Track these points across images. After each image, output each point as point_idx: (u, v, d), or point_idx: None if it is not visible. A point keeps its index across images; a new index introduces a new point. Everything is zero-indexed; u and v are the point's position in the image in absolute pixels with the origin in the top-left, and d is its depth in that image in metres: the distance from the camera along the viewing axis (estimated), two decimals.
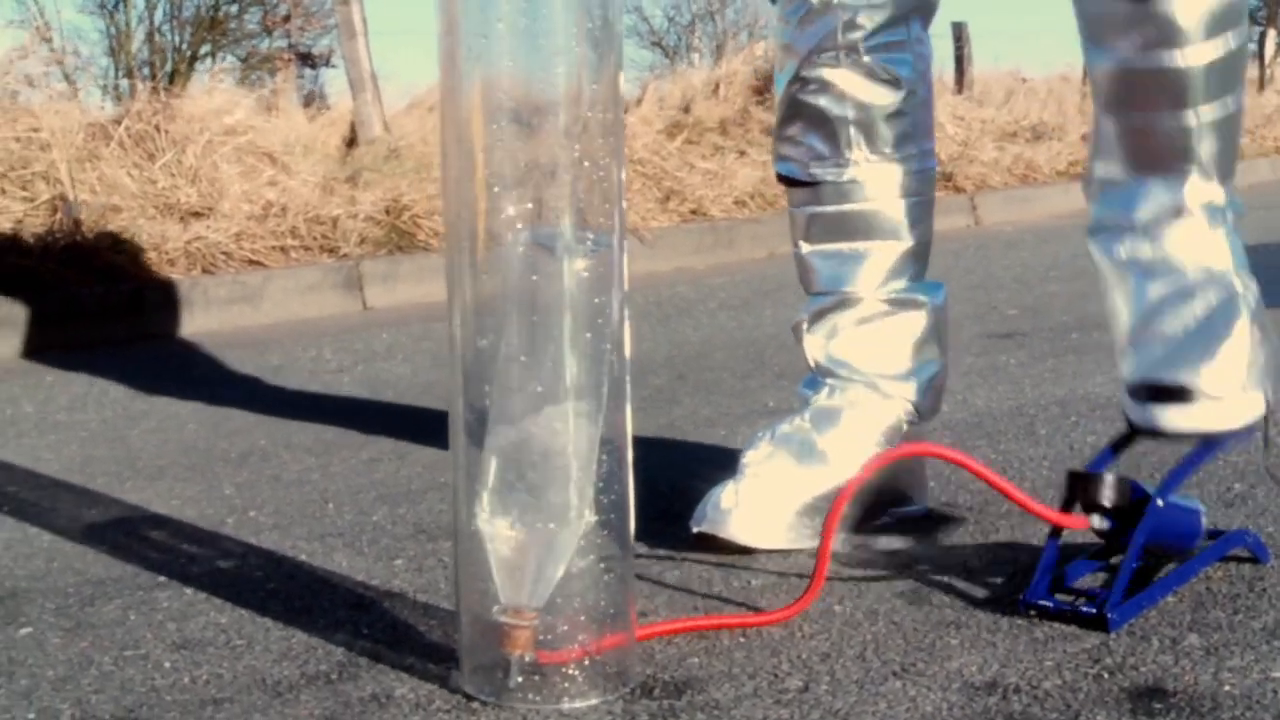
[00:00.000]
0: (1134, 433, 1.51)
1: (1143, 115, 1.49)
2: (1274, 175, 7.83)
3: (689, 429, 2.30)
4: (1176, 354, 1.48)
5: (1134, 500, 1.37)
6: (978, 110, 7.79)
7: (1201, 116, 1.46)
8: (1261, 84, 10.10)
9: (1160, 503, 1.36)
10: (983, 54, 13.03)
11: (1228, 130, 1.49)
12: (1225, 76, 1.47)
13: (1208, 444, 1.47)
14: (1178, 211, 1.48)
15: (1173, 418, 1.48)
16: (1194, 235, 1.49)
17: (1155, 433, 1.50)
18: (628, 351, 1.21)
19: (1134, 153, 1.50)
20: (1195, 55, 1.45)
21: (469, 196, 1.18)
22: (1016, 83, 8.92)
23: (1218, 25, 1.45)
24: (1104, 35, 1.49)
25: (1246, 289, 1.49)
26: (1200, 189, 1.48)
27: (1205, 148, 1.47)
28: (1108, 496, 1.35)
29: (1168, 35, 1.44)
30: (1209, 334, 1.47)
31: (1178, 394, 1.48)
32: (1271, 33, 11.25)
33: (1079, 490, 1.37)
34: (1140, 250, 1.50)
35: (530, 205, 1.17)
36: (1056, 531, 1.40)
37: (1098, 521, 1.37)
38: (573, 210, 1.18)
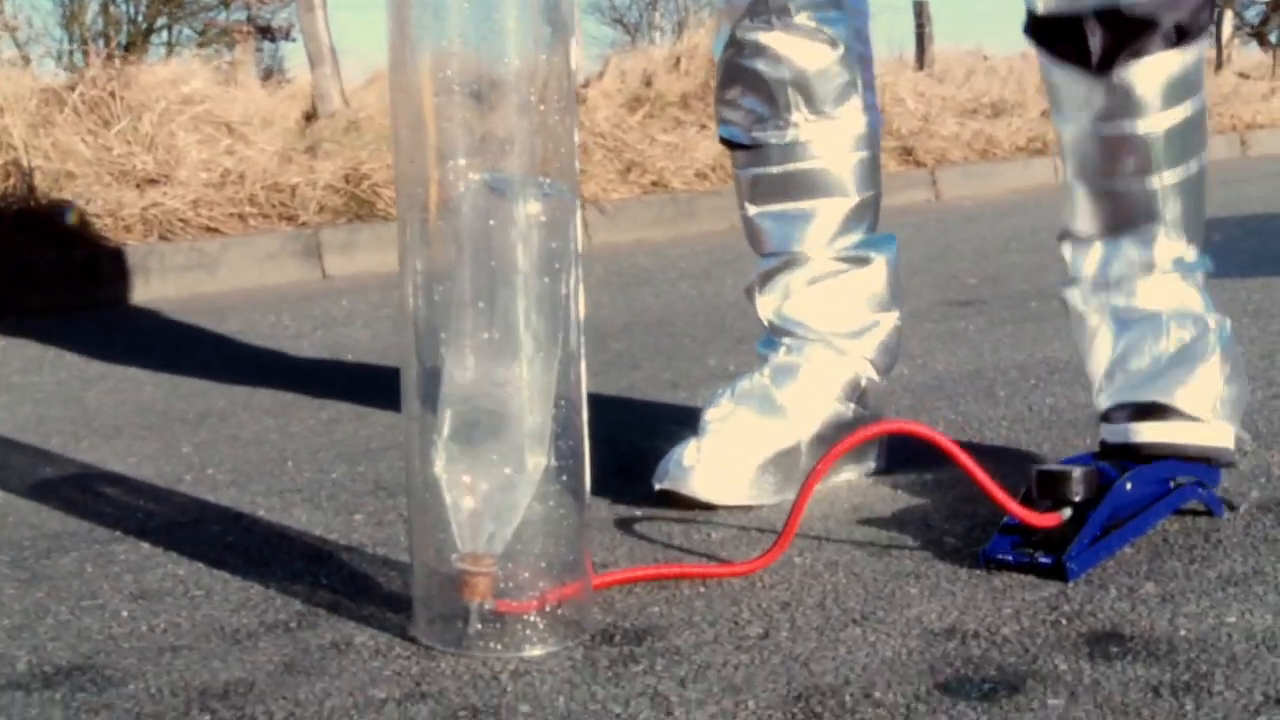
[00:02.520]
0: (1109, 453, 1.51)
1: (1108, 180, 1.54)
2: (1230, 153, 7.89)
3: (649, 391, 2.30)
4: (1152, 380, 1.51)
5: (1101, 485, 1.37)
6: (938, 87, 7.81)
7: (1165, 180, 1.51)
8: (1219, 64, 10.18)
9: (1129, 486, 1.37)
10: (944, 33, 13.08)
11: (1192, 190, 1.54)
12: (1186, 140, 1.52)
13: (1173, 497, 1.46)
14: (1148, 267, 1.53)
15: (1147, 432, 1.50)
16: (1165, 287, 1.53)
17: (1129, 448, 1.50)
18: (582, 301, 1.21)
19: (1103, 215, 1.55)
20: (1155, 123, 1.50)
21: (421, 159, 1.17)
22: (978, 61, 8.95)
23: (1176, 94, 1.49)
24: (1065, 104, 1.53)
25: (1220, 325, 1.53)
26: (1169, 247, 1.53)
27: (1170, 209, 1.52)
28: (1078, 491, 1.35)
29: (1127, 106, 1.49)
30: (1184, 361, 1.50)
31: (1153, 411, 1.50)
32: (1228, 14, 11.34)
33: (1049, 488, 1.36)
34: (1115, 300, 1.55)
35: (481, 156, 1.17)
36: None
37: (1069, 514, 1.37)
38: (527, 157, 1.18)
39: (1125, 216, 1.53)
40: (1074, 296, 1.59)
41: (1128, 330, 1.54)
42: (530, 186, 1.17)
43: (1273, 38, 15.28)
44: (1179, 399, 1.49)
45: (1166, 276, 1.53)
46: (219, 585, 1.39)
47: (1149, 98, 1.48)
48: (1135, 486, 1.39)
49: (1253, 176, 6.22)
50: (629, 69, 6.79)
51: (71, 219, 3.87)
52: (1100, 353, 1.56)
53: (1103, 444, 1.54)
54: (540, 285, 1.16)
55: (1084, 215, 1.57)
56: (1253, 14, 16.43)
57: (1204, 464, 1.48)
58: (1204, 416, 1.49)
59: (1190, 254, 1.54)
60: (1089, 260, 1.57)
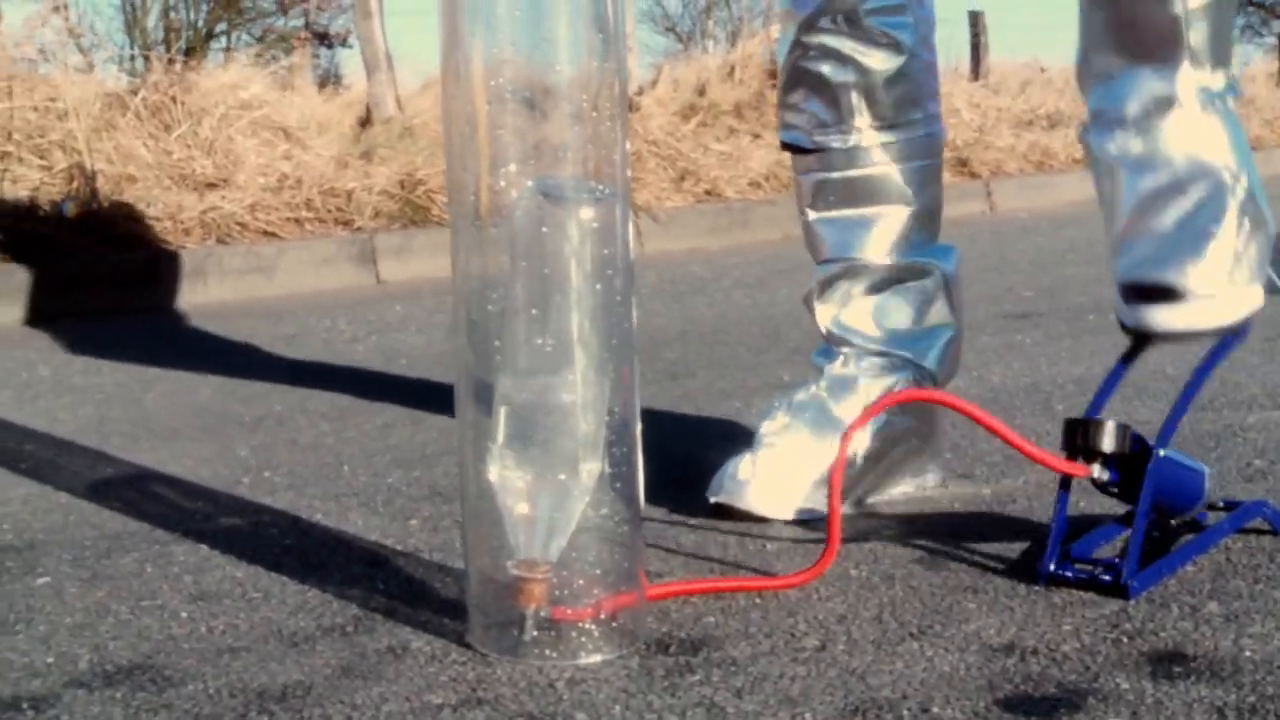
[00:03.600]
0: (1134, 339, 1.47)
1: (1130, 3, 1.45)
2: None
3: (703, 401, 2.30)
4: (1165, 252, 1.45)
5: (1134, 451, 1.35)
6: (993, 98, 7.77)
7: (1189, 2, 1.42)
8: None
9: (1161, 453, 1.35)
10: (1000, 44, 13.01)
11: (1219, 14, 1.44)
12: None
13: (1210, 357, 1.43)
14: (1169, 102, 1.44)
15: (1165, 318, 1.44)
16: (1186, 126, 1.44)
17: (1149, 334, 1.46)
18: (635, 308, 1.21)
19: (1123, 42, 1.46)
20: None
21: (473, 166, 1.18)
22: (1034, 72, 8.90)
23: None
24: None
25: (1236, 181, 1.44)
26: (1193, 76, 1.44)
27: (1196, 34, 1.43)
28: (1107, 443, 1.33)
29: None
30: (1196, 231, 1.43)
31: (1167, 294, 1.44)
32: None
33: (1078, 437, 1.35)
34: (1131, 145, 1.47)
35: (533, 163, 1.17)
36: (1065, 483, 1.38)
37: (1098, 470, 1.35)
38: (579, 165, 1.18)
39: (1147, 43, 1.44)
40: (1092, 142, 1.50)
41: (1143, 180, 1.45)
42: (583, 192, 1.17)
43: None
44: (1192, 278, 1.43)
45: (1187, 113, 1.44)
46: (277, 588, 1.40)
47: None
48: (1171, 459, 1.37)
49: None
50: (682, 77, 6.80)
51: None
52: (1115, 204, 1.48)
53: (1121, 324, 1.49)
54: (593, 292, 1.16)
55: (1102, 43, 1.48)
56: None
57: (1230, 336, 1.44)
58: (1219, 292, 1.43)
59: (1216, 81, 1.45)
60: (1109, 95, 1.48)
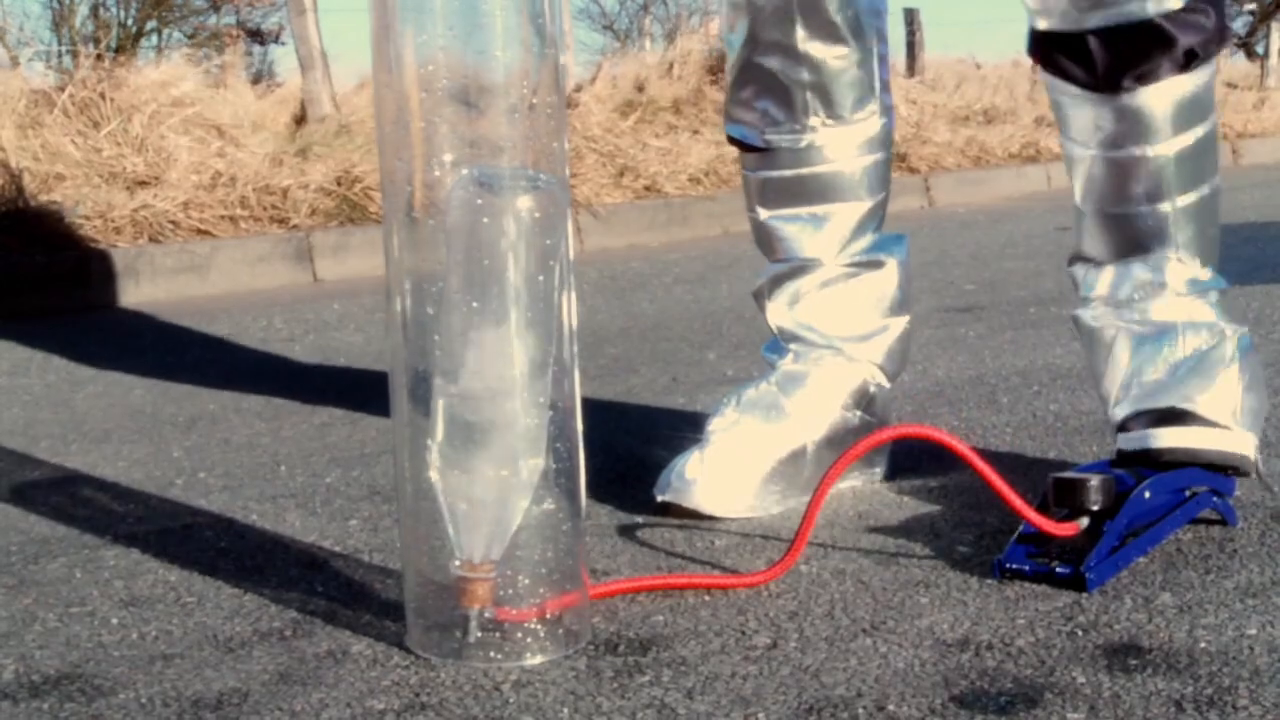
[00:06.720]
0: (1127, 460, 1.47)
1: (1117, 205, 1.50)
2: (1222, 161, 7.88)
3: (647, 396, 2.27)
4: (1170, 387, 1.47)
5: (1119, 493, 1.34)
6: (930, 94, 7.80)
7: (1177, 204, 1.48)
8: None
9: (1147, 495, 1.34)
10: (934, 41, 13.11)
11: (1205, 213, 1.50)
12: (1198, 164, 1.48)
13: (1202, 472, 1.43)
14: (1160, 287, 1.50)
15: (1167, 438, 1.45)
16: (1178, 304, 1.50)
17: (1148, 455, 1.45)
18: (574, 300, 1.18)
19: (1112, 240, 1.52)
20: (1166, 148, 1.46)
21: (407, 155, 1.14)
22: (969, 69, 8.96)
23: (1187, 119, 1.46)
24: (1072, 127, 1.49)
25: (1237, 334, 1.50)
26: (1181, 270, 1.50)
27: (1182, 233, 1.49)
28: (1096, 500, 1.32)
29: (1137, 130, 1.45)
30: (1202, 368, 1.47)
31: (1173, 417, 1.46)
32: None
33: (1066, 497, 1.33)
34: (1128, 319, 1.52)
35: (469, 153, 1.13)
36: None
37: (1086, 524, 1.34)
38: (516, 158, 1.14)
39: (1135, 241, 1.50)
40: (1086, 316, 1.55)
41: (1143, 343, 1.50)
42: (521, 179, 1.13)
43: (1259, 48, 15.32)
44: (1200, 404, 1.45)
45: (1177, 293, 1.50)
46: (211, 592, 1.35)
47: (1159, 122, 1.44)
48: (1153, 495, 1.36)
49: (1245, 185, 6.21)
50: (621, 74, 6.77)
51: (80, 212, 3.80)
52: (1115, 366, 1.52)
53: (1120, 453, 1.49)
54: (533, 283, 1.13)
55: (1093, 240, 1.53)
56: (1239, 24, 16.47)
57: (1222, 472, 1.45)
58: (1224, 423, 1.45)
59: (1204, 274, 1.51)
60: (1100, 282, 1.53)
